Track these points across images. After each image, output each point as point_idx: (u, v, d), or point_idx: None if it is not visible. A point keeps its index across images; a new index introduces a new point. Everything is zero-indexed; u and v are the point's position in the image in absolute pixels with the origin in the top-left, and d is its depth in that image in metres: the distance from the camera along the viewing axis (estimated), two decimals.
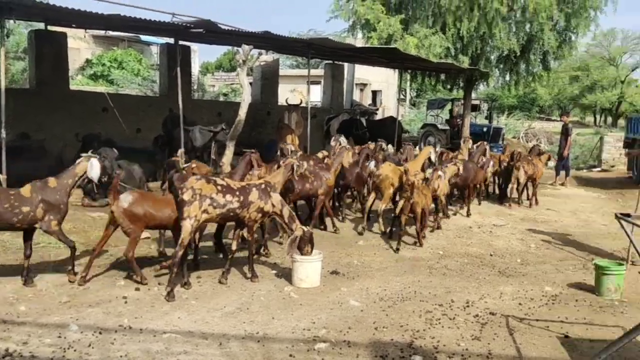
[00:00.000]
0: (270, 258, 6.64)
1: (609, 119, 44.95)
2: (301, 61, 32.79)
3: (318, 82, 23.45)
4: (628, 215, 4.28)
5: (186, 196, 5.13)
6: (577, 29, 15.61)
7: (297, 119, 13.05)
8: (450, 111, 21.48)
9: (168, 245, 6.43)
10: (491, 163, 10.72)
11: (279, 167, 6.43)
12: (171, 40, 12.88)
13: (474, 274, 6.36)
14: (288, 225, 5.76)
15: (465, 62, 15.02)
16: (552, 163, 13.99)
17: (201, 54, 37.91)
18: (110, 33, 23.17)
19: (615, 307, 5.32)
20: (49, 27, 12.50)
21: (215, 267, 6.03)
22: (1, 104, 7.45)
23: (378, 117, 22.16)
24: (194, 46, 24.70)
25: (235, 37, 11.06)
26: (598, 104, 42.02)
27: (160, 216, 5.48)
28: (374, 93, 31.51)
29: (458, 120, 19.54)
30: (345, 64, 20.48)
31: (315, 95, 22.92)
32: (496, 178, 11.81)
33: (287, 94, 18.92)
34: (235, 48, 11.97)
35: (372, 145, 10.10)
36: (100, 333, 4.25)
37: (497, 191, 11.84)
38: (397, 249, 7.20)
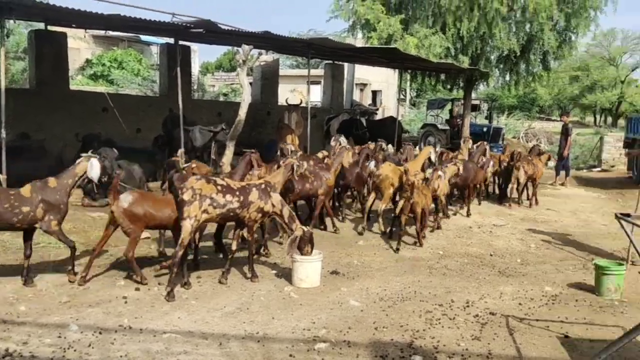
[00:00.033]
0: (270, 258, 6.64)
1: (609, 119, 44.95)
2: (301, 61, 32.79)
3: (318, 82, 23.45)
4: (628, 215, 4.28)
5: (186, 196, 5.13)
6: (577, 29, 15.61)
7: (297, 119, 13.05)
8: (450, 111, 21.48)
9: (168, 245, 6.43)
10: (491, 163, 10.72)
11: (279, 167, 6.42)
12: (171, 40, 12.89)
13: (474, 274, 6.36)
14: (288, 225, 5.76)
15: (465, 62, 15.02)
16: (552, 163, 13.99)
17: (201, 54, 37.94)
18: (110, 33, 23.17)
19: (615, 307, 5.32)
20: (49, 27, 12.50)
21: (215, 267, 6.03)
22: (1, 104, 7.45)
23: (378, 117, 22.16)
24: (194, 46, 24.71)
25: (235, 37, 11.06)
26: (598, 104, 42.03)
27: (160, 216, 5.48)
28: (374, 93, 31.51)
29: (458, 120, 19.54)
30: (345, 64, 20.49)
31: (315, 95, 22.92)
32: (496, 178, 11.82)
33: (287, 94, 18.92)
34: (235, 48, 11.98)
35: (372, 145, 10.11)
36: (100, 333, 4.25)
37: (497, 191, 11.84)
38: (397, 249, 7.20)
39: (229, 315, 4.76)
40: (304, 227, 5.78)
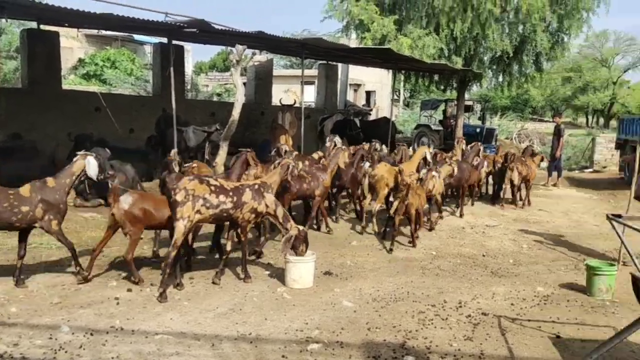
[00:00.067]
0: (263, 259, 6.63)
1: (601, 120, 45.24)
2: (295, 61, 32.76)
3: (312, 83, 23.45)
4: (619, 216, 4.29)
5: (179, 197, 5.12)
6: (570, 30, 15.70)
7: (291, 119, 13.05)
8: (444, 112, 21.54)
9: (163, 245, 6.41)
10: (485, 163, 10.75)
11: (275, 167, 6.42)
12: (164, 40, 12.84)
13: (466, 274, 6.38)
14: (283, 225, 5.76)
15: (458, 63, 15.08)
16: (544, 164, 14.07)
17: (195, 54, 37.84)
18: (103, 32, 23.07)
19: (606, 307, 5.35)
20: (42, 27, 12.44)
21: (207, 267, 6.02)
22: None
23: (372, 117, 22.20)
24: (188, 46, 24.61)
25: (228, 37, 11.05)
26: (590, 105, 42.30)
27: (160, 216, 5.46)
28: (368, 93, 31.55)
29: (451, 120, 19.60)
30: (339, 65, 20.51)
31: (309, 96, 22.94)
32: (489, 179, 11.86)
33: (280, 94, 18.91)
34: (229, 48, 11.94)
35: (366, 145, 10.13)
36: (91, 334, 4.23)
37: (490, 192, 11.88)
38: (391, 249, 7.21)
39: (221, 316, 4.75)
40: (299, 226, 5.78)
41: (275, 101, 17.71)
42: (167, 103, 10.64)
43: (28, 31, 12.35)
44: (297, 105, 13.79)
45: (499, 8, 14.52)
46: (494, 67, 16.93)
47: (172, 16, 9.88)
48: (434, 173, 8.22)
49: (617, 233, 4.31)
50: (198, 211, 5.20)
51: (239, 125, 10.43)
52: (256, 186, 5.71)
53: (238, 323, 4.59)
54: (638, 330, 3.75)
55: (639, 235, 6.20)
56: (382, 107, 29.54)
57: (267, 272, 6.08)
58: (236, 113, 9.89)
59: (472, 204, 10.67)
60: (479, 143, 11.39)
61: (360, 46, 14.60)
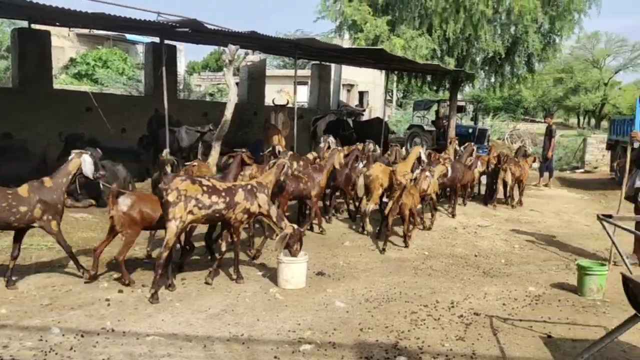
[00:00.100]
0: (255, 259, 6.61)
1: (592, 121, 45.55)
2: (288, 61, 32.75)
3: (305, 83, 23.46)
4: (610, 216, 4.32)
5: (171, 197, 5.10)
6: (561, 32, 15.76)
7: (284, 120, 13.04)
8: (437, 112, 21.59)
9: (157, 246, 6.38)
10: (479, 164, 10.80)
11: (270, 167, 6.44)
12: (157, 40, 12.79)
13: (458, 274, 6.40)
14: (277, 224, 5.75)
15: (451, 63, 15.11)
16: (535, 164, 14.15)
17: (187, 54, 37.72)
18: (95, 32, 22.97)
19: (597, 307, 5.38)
20: (33, 26, 12.34)
21: (200, 268, 6.00)
22: None
23: (365, 118, 22.21)
24: (180, 45, 24.55)
25: (221, 37, 11.00)
26: (582, 106, 42.59)
27: (158, 217, 5.43)
28: (361, 94, 31.59)
29: (444, 121, 19.65)
30: (332, 65, 20.50)
31: (302, 96, 22.94)
32: (482, 179, 11.91)
33: (273, 94, 18.88)
34: (222, 48, 11.91)
35: (360, 146, 10.14)
36: (82, 336, 4.20)
37: (482, 192, 11.93)
38: (383, 249, 7.22)
39: (213, 317, 4.73)
40: (293, 225, 5.78)
41: (268, 101, 17.69)
42: (159, 103, 10.58)
43: (19, 30, 12.25)
44: (290, 105, 13.78)
45: (491, 9, 14.56)
46: (486, 67, 16.98)
47: (164, 16, 9.84)
48: (427, 173, 8.24)
49: (607, 233, 4.34)
50: (190, 212, 5.18)
51: (231, 126, 10.41)
52: (249, 186, 5.70)
53: (230, 324, 4.58)
54: (629, 330, 3.77)
55: (630, 236, 6.27)
56: (375, 108, 29.58)
57: (260, 273, 6.07)
58: (229, 113, 9.87)
59: (465, 204, 10.70)
60: (472, 143, 11.43)
61: (353, 46, 14.59)
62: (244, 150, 7.27)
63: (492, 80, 17.55)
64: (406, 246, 7.49)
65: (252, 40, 11.87)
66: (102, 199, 8.98)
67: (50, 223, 5.27)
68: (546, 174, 14.75)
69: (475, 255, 7.32)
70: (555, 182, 15.04)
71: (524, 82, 17.96)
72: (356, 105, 25.69)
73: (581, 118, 47.60)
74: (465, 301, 5.41)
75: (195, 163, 7.65)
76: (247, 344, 4.22)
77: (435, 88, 19.27)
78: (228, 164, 7.59)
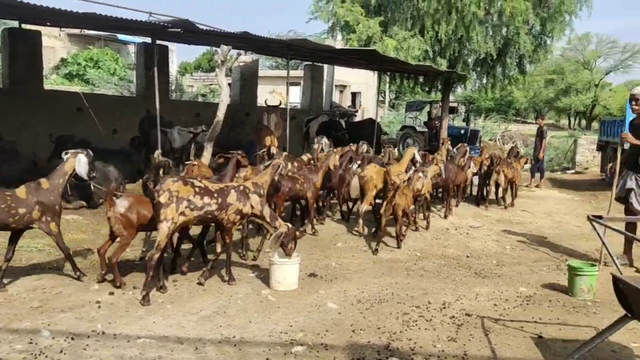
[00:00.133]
0: (247, 261, 6.60)
1: (583, 122, 45.90)
2: (281, 62, 32.74)
3: (297, 84, 23.44)
4: (600, 217, 4.35)
5: (163, 198, 5.07)
6: (553, 33, 15.87)
7: (276, 120, 13.03)
8: (429, 113, 21.67)
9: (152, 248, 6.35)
10: (472, 164, 10.86)
11: (265, 167, 6.46)
12: (148, 40, 12.74)
13: (450, 275, 6.41)
14: (271, 224, 5.75)
15: (443, 64, 15.17)
16: (527, 166, 14.24)
17: (180, 54, 37.63)
18: (86, 32, 22.83)
19: (588, 307, 5.41)
20: (23, 26, 12.25)
21: (191, 270, 5.97)
22: None
23: (357, 118, 22.25)
24: (172, 46, 24.47)
25: (213, 37, 10.98)
26: (572, 107, 42.93)
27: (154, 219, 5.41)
28: (354, 95, 31.63)
29: (436, 122, 19.73)
30: (325, 66, 20.51)
31: (295, 97, 22.91)
32: (474, 180, 11.97)
33: (266, 95, 18.87)
34: (214, 48, 11.89)
35: (353, 146, 10.15)
36: (72, 339, 4.17)
37: (474, 193, 11.98)
38: (376, 250, 7.23)
39: (205, 319, 4.71)
40: (287, 224, 5.79)
41: (260, 102, 17.66)
42: (151, 103, 10.54)
43: (9, 30, 12.15)
44: (282, 106, 13.77)
45: (483, 10, 14.64)
46: (478, 69, 17.07)
47: (156, 16, 9.79)
48: (420, 174, 8.27)
49: (598, 234, 4.37)
50: (182, 213, 5.15)
51: (223, 126, 10.39)
52: (241, 187, 5.69)
53: (222, 326, 4.56)
54: (619, 330, 3.80)
55: (620, 236, 6.32)
56: (367, 109, 29.63)
57: (252, 274, 6.05)
58: (221, 114, 9.85)
59: (457, 205, 10.70)
60: (465, 144, 11.49)
61: (346, 47, 14.61)
62: (239, 152, 7.33)
63: (484, 81, 17.65)
64: (398, 247, 7.50)
65: (244, 41, 11.85)
66: (93, 201, 8.94)
67: (50, 224, 5.27)
68: (537, 175, 14.84)
69: (467, 256, 7.34)
70: (546, 183, 15.13)
71: (516, 83, 18.07)
72: (349, 106, 25.74)
73: (572, 119, 47.96)
74: (457, 302, 5.43)
75: (196, 162, 7.66)
76: (239, 345, 4.20)
77: (427, 89, 19.35)
78: (219, 165, 7.61)
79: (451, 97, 19.47)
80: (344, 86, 30.29)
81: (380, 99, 30.86)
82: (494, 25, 15.75)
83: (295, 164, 8.94)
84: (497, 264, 7.04)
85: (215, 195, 5.40)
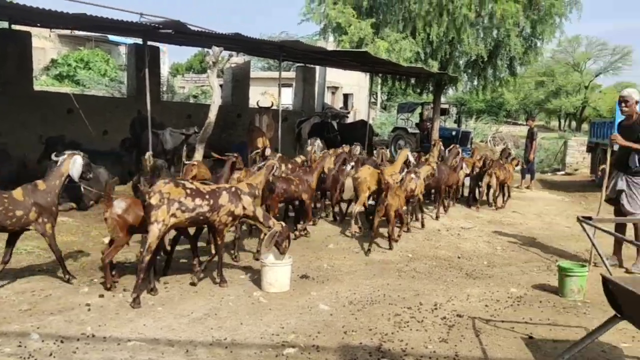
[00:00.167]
0: (239, 262, 6.58)
1: (573, 124, 46.25)
2: (273, 63, 32.72)
3: (289, 85, 23.46)
4: (590, 218, 4.38)
5: (154, 200, 5.05)
6: (543, 35, 15.96)
7: (268, 122, 13.02)
8: (421, 115, 21.75)
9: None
10: (464, 165, 10.91)
11: (259, 168, 6.49)
12: (139, 41, 12.68)
13: (442, 276, 6.43)
14: (264, 224, 5.74)
15: (434, 66, 15.22)
16: (518, 167, 14.33)
17: (171, 55, 37.49)
18: (77, 32, 22.67)
19: (578, 307, 5.45)
20: (13, 26, 12.16)
21: (183, 272, 5.95)
22: None
23: (349, 120, 22.28)
24: (164, 47, 24.37)
25: (205, 39, 10.94)
26: (563, 109, 43.24)
27: None
28: (346, 96, 31.67)
29: (428, 123, 19.79)
30: (317, 67, 20.53)
31: (287, 98, 22.92)
32: (466, 181, 12.03)
33: (258, 96, 18.86)
34: (206, 49, 11.84)
35: (346, 148, 10.16)
36: (62, 342, 4.14)
37: (465, 194, 12.03)
38: (369, 250, 7.24)
39: (196, 321, 4.69)
40: (281, 222, 5.80)
41: (252, 103, 17.64)
42: (142, 105, 10.48)
43: None
44: (274, 107, 13.76)
45: (473, 13, 14.71)
46: (469, 71, 17.14)
47: (147, 17, 9.73)
48: (412, 175, 8.29)
49: (587, 235, 4.40)
50: (173, 215, 5.13)
51: (215, 128, 10.34)
52: (233, 189, 5.68)
53: (213, 328, 4.55)
54: (609, 330, 3.83)
55: (609, 237, 6.37)
56: (359, 110, 29.68)
57: (243, 276, 6.04)
58: (213, 115, 9.81)
59: (446, 210, 10.62)
60: (457, 145, 11.55)
61: (338, 49, 14.63)
62: (236, 154, 7.39)
63: (475, 83, 17.72)
64: (390, 248, 7.51)
65: (236, 42, 11.82)
66: (83, 202, 8.88)
67: (45, 225, 5.28)
68: (528, 176, 14.93)
69: (459, 257, 7.37)
70: (537, 184, 15.23)
71: (506, 85, 18.16)
72: (341, 108, 25.77)
73: (562, 121, 48.31)
74: (449, 303, 5.44)
75: (195, 162, 7.66)
76: (230, 348, 4.19)
77: (419, 91, 19.41)
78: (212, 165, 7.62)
79: (442, 99, 19.54)
80: (336, 88, 30.32)
81: (372, 100, 30.92)
82: (484, 28, 15.83)
83: (290, 165, 8.95)
84: (488, 264, 7.07)
85: (207, 196, 5.39)
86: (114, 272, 5.52)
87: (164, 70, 25.93)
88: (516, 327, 4.85)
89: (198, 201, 5.30)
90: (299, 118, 17.71)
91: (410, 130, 21.22)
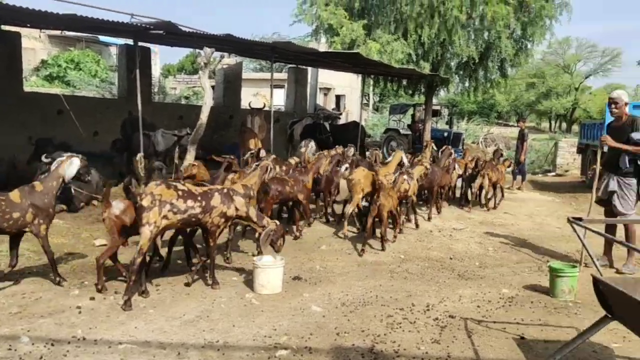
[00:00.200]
0: (231, 264, 6.55)
1: (564, 125, 46.57)
2: (265, 65, 32.70)
3: (282, 86, 23.44)
4: (580, 219, 4.41)
5: (145, 202, 5.02)
6: (533, 37, 16.08)
7: (260, 123, 13.00)
8: (412, 116, 21.82)
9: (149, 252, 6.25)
10: (456, 166, 10.95)
11: (254, 169, 6.49)
12: (130, 42, 12.62)
13: (434, 277, 6.45)
14: (258, 224, 5.74)
15: (426, 68, 15.28)
16: (510, 168, 14.41)
17: (163, 56, 37.36)
18: (67, 33, 22.52)
19: (569, 308, 5.48)
20: (2, 27, 12.05)
21: (174, 274, 5.92)
22: None
23: (341, 121, 22.30)
24: (155, 48, 24.29)
25: (196, 40, 10.91)
26: (553, 110, 43.53)
27: None
28: (338, 97, 31.71)
29: (420, 125, 19.86)
30: (309, 68, 20.53)
31: (279, 99, 22.91)
32: (458, 182, 12.09)
33: (250, 97, 18.83)
34: (198, 50, 11.81)
35: (339, 149, 10.17)
36: (52, 345, 4.10)
37: (457, 195, 12.08)
38: (363, 250, 7.25)
39: (188, 323, 4.66)
40: (275, 221, 5.81)
41: (244, 104, 17.61)
42: (133, 106, 10.43)
43: None
44: (266, 108, 13.74)
45: (465, 15, 14.79)
46: (461, 72, 17.23)
47: (138, 17, 9.68)
48: (404, 176, 8.31)
49: (578, 236, 4.43)
50: (165, 216, 5.10)
51: (207, 129, 10.32)
52: (225, 190, 5.66)
53: (205, 330, 4.52)
54: (600, 331, 3.85)
55: (600, 238, 6.42)
56: (351, 111, 29.72)
57: (235, 278, 6.01)
58: (204, 116, 9.78)
59: (440, 208, 10.69)
60: (450, 146, 11.60)
61: (330, 50, 14.64)
62: (232, 157, 7.40)
63: (467, 84, 17.81)
64: (383, 249, 7.52)
65: (227, 43, 11.80)
66: (74, 204, 8.81)
67: (40, 227, 5.25)
68: (519, 177, 15.01)
69: (451, 258, 7.39)
70: (528, 185, 15.32)
71: (497, 86, 18.28)
72: (333, 109, 25.80)
73: (553, 122, 48.64)
74: (441, 304, 5.45)
75: (195, 164, 7.65)
76: (223, 350, 4.17)
77: (411, 92, 19.48)
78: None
79: (434, 100, 19.62)
80: (328, 89, 30.34)
81: (364, 101, 30.96)
82: (476, 30, 15.92)
83: (284, 167, 8.94)
84: (479, 265, 7.09)
85: (199, 198, 5.37)
86: (124, 272, 5.47)
87: (155, 71, 25.84)
88: (508, 328, 4.86)
89: (190, 203, 5.28)
90: (291, 119, 17.69)
91: (402, 131, 21.28)
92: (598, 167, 7.00)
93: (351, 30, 14.59)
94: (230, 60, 19.72)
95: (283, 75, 23.40)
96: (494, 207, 11.28)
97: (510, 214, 10.90)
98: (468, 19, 15.28)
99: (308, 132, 15.78)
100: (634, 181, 6.68)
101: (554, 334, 4.75)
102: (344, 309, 5.20)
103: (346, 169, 8.70)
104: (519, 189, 14.57)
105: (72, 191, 8.38)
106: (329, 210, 9.28)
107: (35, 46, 25.55)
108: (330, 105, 28.71)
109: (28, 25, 12.84)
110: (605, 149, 6.87)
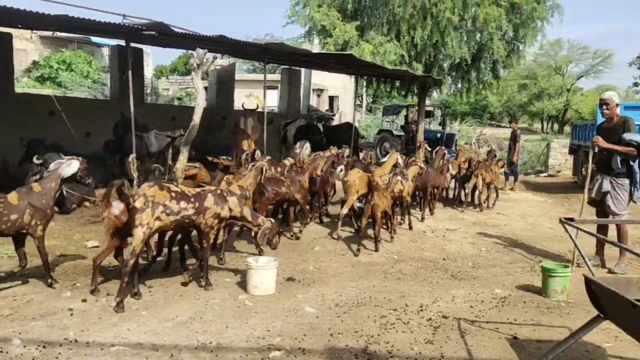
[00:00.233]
0: (224, 265, 6.54)
1: (556, 126, 46.84)
2: (258, 66, 32.67)
3: (275, 87, 23.41)
4: (572, 219, 4.43)
5: (138, 203, 5.00)
6: (525, 39, 16.13)
7: (253, 124, 12.99)
8: (406, 117, 21.86)
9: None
10: (450, 167, 10.98)
11: (250, 170, 6.50)
12: (122, 43, 12.55)
13: (427, 278, 6.46)
14: (253, 224, 5.74)
15: (419, 69, 15.31)
16: (502, 169, 14.48)
17: (155, 57, 37.21)
18: (59, 34, 22.40)
19: (561, 308, 5.51)
20: None
21: (167, 275, 5.90)
22: None
23: (335, 122, 22.32)
24: (148, 49, 24.17)
25: (189, 41, 10.86)
26: (545, 111, 43.78)
27: None
28: (331, 98, 31.74)
29: (413, 126, 19.90)
30: (302, 69, 20.51)
31: (272, 100, 22.89)
32: (454, 183, 12.13)
33: (243, 98, 18.80)
34: (190, 51, 11.77)
35: (334, 150, 10.18)
36: (44, 347, 4.07)
37: (450, 196, 12.11)
38: (358, 250, 7.26)
39: (181, 325, 4.65)
40: (270, 219, 5.83)
41: (237, 105, 17.57)
42: (125, 107, 10.36)
43: None
44: (259, 109, 13.72)
45: (457, 16, 14.82)
46: (453, 73, 17.26)
47: (130, 18, 9.62)
48: (398, 177, 8.33)
49: (570, 236, 4.45)
50: (158, 218, 5.08)
51: (200, 130, 10.24)
52: (218, 191, 5.65)
53: (198, 332, 4.51)
54: (592, 330, 3.87)
55: (591, 238, 6.46)
56: (345, 112, 29.75)
57: (229, 279, 6.00)
58: (197, 117, 9.71)
59: (433, 209, 10.70)
60: (443, 147, 11.64)
61: (323, 51, 14.63)
62: (229, 158, 7.40)
63: (459, 85, 17.84)
64: (376, 250, 7.53)
65: (220, 44, 11.75)
66: (66, 206, 8.76)
67: (37, 227, 5.25)
68: (511, 178, 15.08)
69: (444, 259, 7.41)
70: (520, 186, 15.39)
71: (490, 87, 18.33)
72: (326, 110, 25.82)
73: (545, 123, 48.91)
74: (434, 304, 5.46)
75: (197, 165, 7.65)
76: (216, 352, 4.16)
77: (404, 93, 19.49)
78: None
79: (427, 101, 19.67)
80: (322, 90, 30.36)
81: (358, 102, 31.01)
82: (468, 31, 15.95)
83: (279, 169, 8.93)
84: (473, 266, 7.11)
85: (192, 199, 5.35)
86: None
87: (148, 72, 25.76)
88: (501, 328, 4.88)
89: (183, 204, 5.26)
90: (285, 120, 17.69)
91: (395, 132, 21.32)
92: (590, 167, 7.05)
93: (344, 31, 14.58)
94: (223, 61, 19.65)
95: (276, 77, 23.38)
96: (490, 207, 11.33)
97: (503, 215, 10.95)
98: (460, 21, 15.32)
99: (301, 133, 15.78)
100: (626, 181, 6.74)
101: (546, 334, 4.77)
102: (338, 309, 5.20)
103: (341, 170, 8.71)
104: (511, 189, 14.64)
105: (64, 193, 8.33)
106: (323, 210, 9.27)
107: (26, 47, 25.40)
108: (324, 107, 28.73)
109: (19, 26, 12.74)
110: (597, 149, 6.91)
